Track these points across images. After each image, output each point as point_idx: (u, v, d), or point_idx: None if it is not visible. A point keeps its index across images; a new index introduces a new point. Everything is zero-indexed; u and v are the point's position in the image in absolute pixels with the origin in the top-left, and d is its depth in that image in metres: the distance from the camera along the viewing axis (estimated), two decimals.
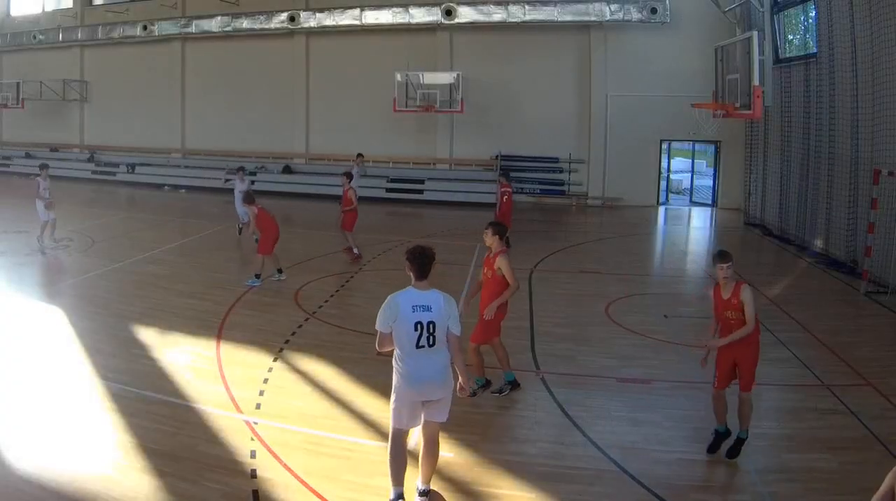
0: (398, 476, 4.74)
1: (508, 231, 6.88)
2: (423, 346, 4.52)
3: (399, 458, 4.74)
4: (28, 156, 26.65)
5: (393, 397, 4.67)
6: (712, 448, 5.64)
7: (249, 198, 10.91)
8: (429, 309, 4.55)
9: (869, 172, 11.09)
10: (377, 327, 4.59)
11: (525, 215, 17.75)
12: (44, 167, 12.96)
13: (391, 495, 4.74)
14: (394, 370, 4.65)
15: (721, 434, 5.68)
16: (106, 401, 6.34)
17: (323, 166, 22.65)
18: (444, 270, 12.09)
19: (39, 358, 7.42)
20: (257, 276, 10.59)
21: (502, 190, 13.32)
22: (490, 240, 6.50)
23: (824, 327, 8.94)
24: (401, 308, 4.53)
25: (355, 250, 12.45)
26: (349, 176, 12.68)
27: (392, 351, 4.63)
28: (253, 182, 14.92)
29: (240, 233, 14.17)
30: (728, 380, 5.63)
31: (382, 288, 10.47)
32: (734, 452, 5.50)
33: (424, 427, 4.79)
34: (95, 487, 4.92)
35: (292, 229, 17.23)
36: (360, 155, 16.64)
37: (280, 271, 10.86)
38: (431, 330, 4.52)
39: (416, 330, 4.50)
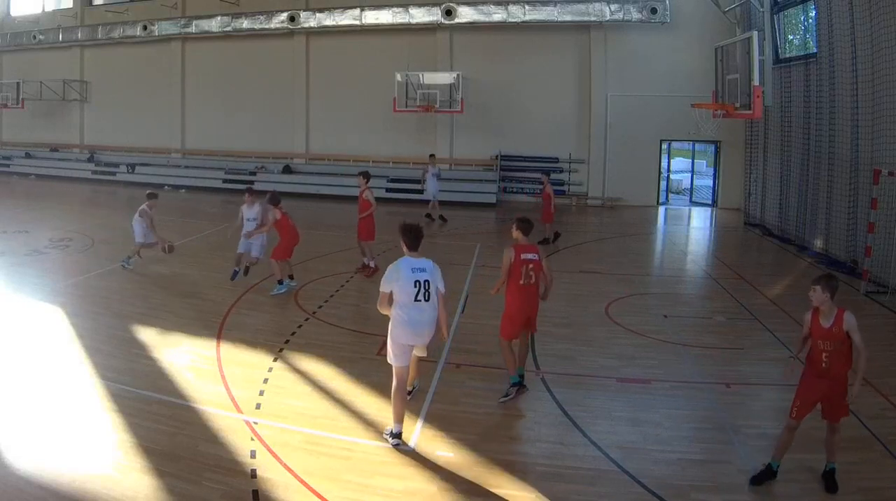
0: (401, 415, 5.79)
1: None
2: (419, 300, 5.68)
3: (404, 398, 5.86)
4: (28, 156, 26.67)
5: (391, 344, 5.78)
6: (758, 481, 5.14)
7: (275, 198, 10.03)
8: (424, 270, 5.74)
9: (869, 172, 11.09)
10: (381, 289, 5.66)
11: (525, 215, 17.71)
12: (153, 197, 11.48)
13: (394, 430, 5.76)
14: (392, 322, 5.73)
15: (773, 472, 5.17)
16: (106, 401, 6.34)
17: (323, 166, 22.66)
18: (444, 269, 12.10)
19: (39, 358, 7.42)
20: (280, 282, 10.03)
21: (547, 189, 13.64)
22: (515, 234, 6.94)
23: None
24: (402, 271, 5.66)
25: (371, 263, 11.31)
26: (366, 176, 11.47)
27: (389, 312, 5.73)
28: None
29: (245, 274, 10.70)
30: (809, 411, 5.13)
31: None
32: (833, 486, 5.04)
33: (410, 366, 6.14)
34: (95, 487, 4.92)
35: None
36: (432, 155, 16.65)
37: (291, 278, 10.30)
38: (427, 288, 5.71)
39: (415, 287, 5.65)
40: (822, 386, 5.04)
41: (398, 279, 5.61)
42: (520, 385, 6.68)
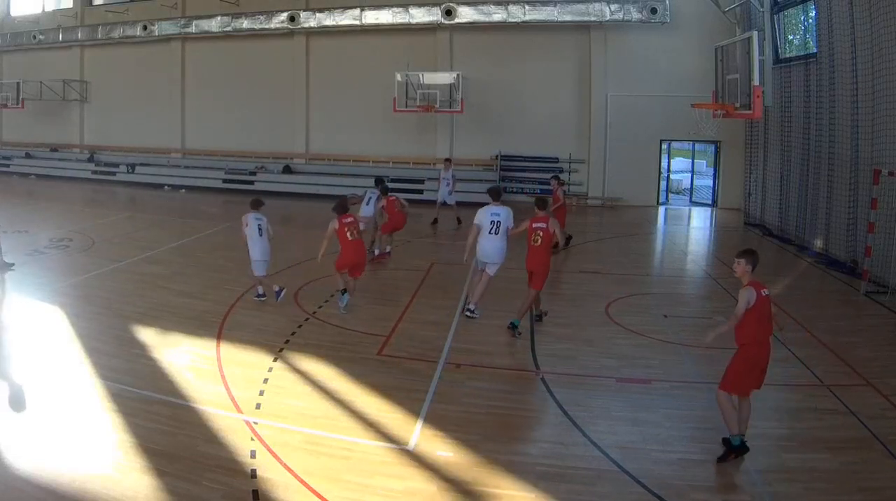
0: (478, 297, 9.07)
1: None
2: (492, 233, 8.77)
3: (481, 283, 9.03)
4: (28, 156, 26.68)
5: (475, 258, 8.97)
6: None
7: (343, 207, 9.32)
8: (498, 215, 8.84)
9: (869, 172, 11.09)
10: (474, 222, 8.88)
11: (525, 215, 17.71)
12: (257, 204, 10.03)
13: (471, 306, 9.07)
14: (477, 246, 8.86)
15: (740, 447, 5.56)
16: (106, 401, 6.35)
17: (323, 166, 22.65)
18: (445, 269, 12.12)
19: (39, 358, 7.42)
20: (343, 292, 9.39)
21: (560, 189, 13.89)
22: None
23: (824, 327, 8.94)
24: (486, 213, 8.85)
25: (377, 251, 12.38)
26: (380, 184, 12.79)
27: (471, 239, 8.84)
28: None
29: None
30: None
31: (382, 288, 10.57)
32: (724, 458, 5.54)
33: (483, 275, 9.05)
34: (95, 487, 4.92)
35: (292, 229, 17.23)
36: (448, 160, 16.81)
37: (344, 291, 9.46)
38: (498, 225, 8.79)
39: (491, 224, 8.78)
40: (767, 351, 5.60)
41: (483, 218, 8.79)
42: (514, 329, 8.49)
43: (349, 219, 9.21)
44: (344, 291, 9.32)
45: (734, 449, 5.52)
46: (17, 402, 6.32)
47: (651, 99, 19.15)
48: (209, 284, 10.64)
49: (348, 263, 9.23)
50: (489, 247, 8.82)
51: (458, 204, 16.47)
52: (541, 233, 8.45)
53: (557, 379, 7.18)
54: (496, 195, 9.18)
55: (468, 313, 8.98)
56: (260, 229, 9.68)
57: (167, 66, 24.56)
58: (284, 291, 9.72)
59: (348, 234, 9.10)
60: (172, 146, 24.87)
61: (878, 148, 11.15)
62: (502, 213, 8.86)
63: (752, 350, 5.51)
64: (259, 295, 9.82)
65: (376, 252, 12.45)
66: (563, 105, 20.50)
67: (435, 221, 16.58)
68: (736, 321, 5.49)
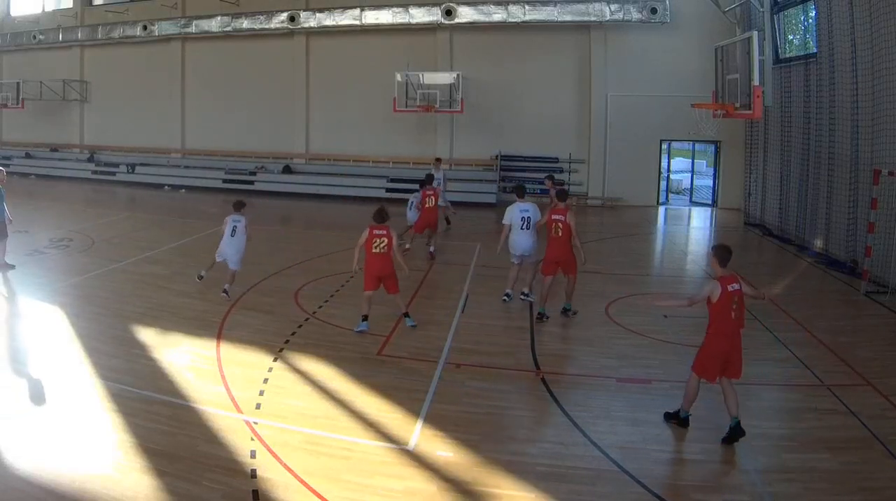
0: (512, 282, 9.99)
1: None
2: (523, 229, 9.49)
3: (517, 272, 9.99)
4: (28, 156, 26.67)
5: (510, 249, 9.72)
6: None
7: (382, 216, 8.69)
8: (527, 211, 9.54)
9: (869, 172, 11.09)
10: (504, 222, 9.64)
11: (432, 222, 17.62)
12: (238, 206, 10.25)
13: (525, 290, 9.79)
14: (509, 241, 9.65)
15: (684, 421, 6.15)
16: (106, 401, 6.35)
17: (323, 166, 22.66)
18: (444, 269, 12.12)
19: (39, 358, 7.42)
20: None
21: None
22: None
23: (824, 327, 8.94)
24: (515, 211, 9.59)
25: (408, 246, 12.73)
26: (424, 183, 13.12)
27: (506, 237, 9.60)
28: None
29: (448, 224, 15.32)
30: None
31: (382, 288, 10.53)
32: (732, 438, 5.82)
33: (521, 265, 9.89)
34: (95, 487, 4.92)
35: (292, 229, 17.25)
36: (438, 159, 16.84)
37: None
38: (528, 221, 9.49)
39: (521, 220, 9.50)
40: (734, 342, 5.97)
41: (512, 216, 9.55)
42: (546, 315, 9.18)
43: (381, 231, 8.50)
44: (364, 318, 8.59)
45: (678, 419, 6.12)
46: (17, 402, 6.32)
47: (651, 99, 19.15)
48: (209, 284, 10.61)
49: (370, 277, 8.57)
50: (524, 243, 9.58)
51: (456, 204, 16.40)
52: (560, 225, 8.94)
53: (557, 379, 7.19)
54: (521, 192, 9.95)
55: (523, 296, 9.77)
56: (234, 230, 9.90)
57: (167, 66, 24.56)
58: (227, 295, 9.82)
59: (374, 247, 8.48)
60: (172, 146, 24.87)
61: (878, 148, 11.15)
62: (531, 209, 9.57)
63: (714, 340, 5.98)
64: (225, 292, 9.85)
65: (431, 249, 12.84)
66: (563, 105, 20.50)
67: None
68: (688, 303, 6.25)
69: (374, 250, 8.49)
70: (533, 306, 9.50)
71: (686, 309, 6.58)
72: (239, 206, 10.12)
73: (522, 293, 9.82)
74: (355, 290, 10.54)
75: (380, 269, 8.53)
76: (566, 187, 10.31)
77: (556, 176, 20.53)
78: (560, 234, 8.95)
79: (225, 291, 9.85)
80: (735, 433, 5.76)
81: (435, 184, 15.53)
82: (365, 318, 8.57)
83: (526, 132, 20.59)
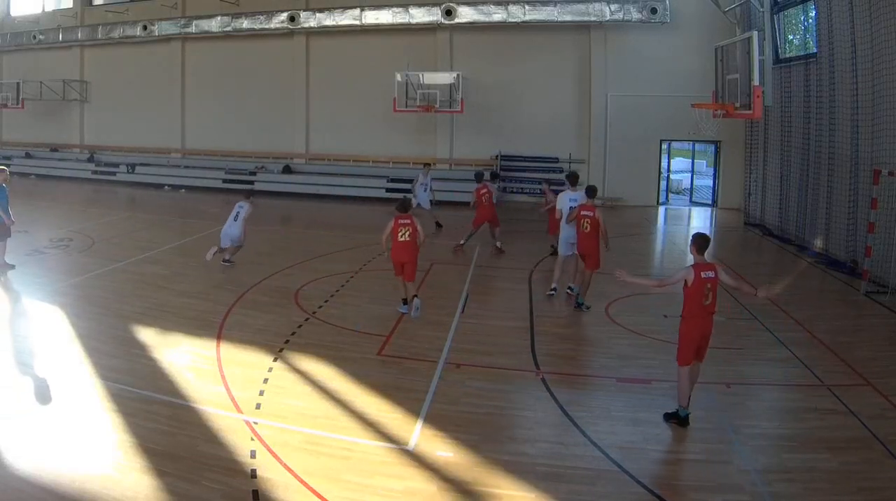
0: (556, 278, 10.30)
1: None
2: (571, 221, 9.77)
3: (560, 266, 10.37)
4: (28, 156, 26.67)
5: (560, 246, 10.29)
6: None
7: (404, 206, 9.30)
8: (576, 200, 9.82)
9: (869, 172, 11.09)
10: (557, 206, 10.24)
11: (525, 215, 17.75)
12: (246, 194, 11.99)
13: (573, 285, 10.14)
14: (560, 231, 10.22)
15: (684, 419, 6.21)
16: (106, 401, 6.35)
17: (323, 166, 22.65)
18: (444, 269, 12.12)
19: (39, 358, 7.42)
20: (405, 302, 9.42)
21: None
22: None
23: (824, 327, 8.94)
24: (564, 199, 10.04)
25: (462, 242, 13.32)
26: (481, 177, 13.68)
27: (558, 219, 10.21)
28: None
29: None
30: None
31: (382, 288, 10.57)
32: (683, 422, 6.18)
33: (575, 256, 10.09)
34: (95, 487, 4.92)
35: (292, 229, 17.25)
36: (427, 164, 16.89)
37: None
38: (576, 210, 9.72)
39: (570, 210, 9.76)
40: (705, 325, 6.19)
41: (563, 203, 10.04)
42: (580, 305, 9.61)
43: (405, 221, 9.05)
44: (404, 301, 9.26)
45: (677, 419, 6.17)
46: (17, 402, 6.32)
47: (651, 99, 19.15)
48: (209, 284, 10.63)
49: (396, 263, 9.16)
50: (571, 232, 9.89)
51: (456, 204, 16.42)
52: (588, 221, 9.38)
53: (557, 379, 7.18)
54: (575, 180, 10.38)
55: (569, 291, 10.17)
56: (237, 215, 11.39)
57: (167, 66, 24.56)
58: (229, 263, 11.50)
59: (399, 235, 9.02)
60: (172, 146, 24.86)
61: (878, 148, 11.15)
62: (579, 199, 9.82)
63: (689, 322, 6.20)
64: (226, 261, 11.47)
65: (498, 243, 13.36)
66: (563, 105, 20.49)
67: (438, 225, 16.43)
68: (657, 284, 6.66)
69: (399, 238, 9.04)
70: (559, 297, 10.07)
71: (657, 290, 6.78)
72: (247, 195, 11.84)
73: (569, 287, 10.24)
74: (355, 290, 10.57)
75: (403, 256, 9.09)
76: (595, 185, 10.38)
77: (556, 176, 20.60)
78: (588, 229, 9.37)
79: (227, 260, 11.45)
80: (685, 422, 6.12)
81: (421, 188, 15.55)
82: (405, 301, 9.25)
83: (526, 132, 20.58)
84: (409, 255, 9.06)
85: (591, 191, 9.72)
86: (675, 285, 6.33)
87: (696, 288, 6.10)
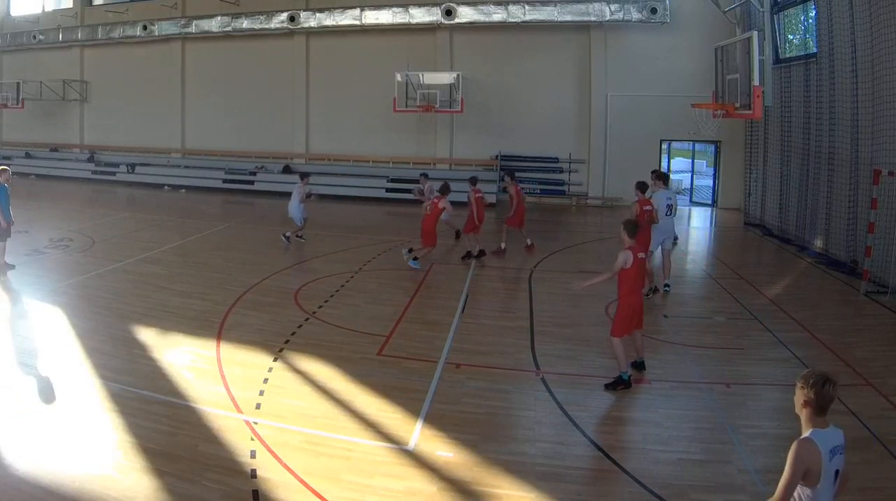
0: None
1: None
2: (668, 215, 10.20)
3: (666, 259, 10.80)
4: (28, 156, 26.67)
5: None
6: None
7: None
8: (671, 199, 10.31)
9: (869, 172, 11.08)
10: (655, 205, 9.96)
11: (525, 215, 17.71)
12: (305, 176, 14.28)
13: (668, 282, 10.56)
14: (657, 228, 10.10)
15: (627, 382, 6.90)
16: (106, 401, 6.34)
17: (323, 166, 22.66)
18: (444, 269, 12.12)
19: (39, 359, 7.41)
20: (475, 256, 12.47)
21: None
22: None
23: (824, 327, 8.94)
24: (662, 198, 10.09)
25: (503, 245, 13.38)
26: (512, 174, 13.90)
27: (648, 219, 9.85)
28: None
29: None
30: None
31: (382, 288, 10.59)
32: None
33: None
34: (95, 487, 4.92)
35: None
36: (423, 174, 16.75)
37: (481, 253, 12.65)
38: (672, 208, 10.24)
39: (667, 208, 10.09)
40: (640, 300, 7.04)
41: (659, 202, 10.04)
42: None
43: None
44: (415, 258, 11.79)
45: (624, 382, 6.81)
46: (17, 402, 6.32)
47: (651, 99, 19.16)
48: (209, 284, 10.63)
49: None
50: (668, 228, 10.45)
51: (456, 204, 16.31)
52: (652, 214, 10.07)
53: (557, 379, 7.18)
54: (666, 180, 10.73)
55: (667, 288, 10.54)
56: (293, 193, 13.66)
57: (167, 66, 24.57)
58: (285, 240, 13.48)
59: (424, 209, 11.90)
60: (172, 146, 24.88)
61: (878, 148, 11.15)
62: (673, 197, 10.51)
63: (632, 298, 6.88)
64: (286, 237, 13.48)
65: (502, 246, 13.36)
66: (562, 105, 20.50)
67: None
68: (611, 275, 6.96)
69: (424, 211, 11.79)
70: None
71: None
72: (302, 176, 14.09)
73: (666, 285, 10.57)
74: (355, 290, 10.57)
75: (422, 223, 11.66)
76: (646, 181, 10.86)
77: (556, 176, 20.67)
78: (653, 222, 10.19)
79: (285, 236, 13.53)
80: (629, 384, 6.81)
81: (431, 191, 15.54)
82: (415, 258, 11.74)
83: (526, 132, 20.59)
84: (426, 225, 11.62)
85: (642, 186, 10.47)
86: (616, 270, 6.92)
87: (634, 268, 6.82)
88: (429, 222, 11.66)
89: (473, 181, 13.17)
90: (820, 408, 3.46)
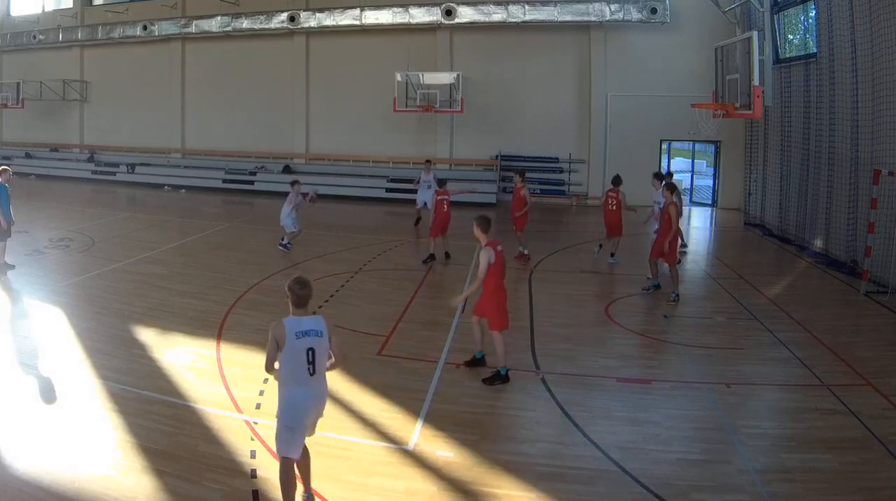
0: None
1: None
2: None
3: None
4: (28, 156, 26.67)
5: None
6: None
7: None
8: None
9: (869, 172, 11.09)
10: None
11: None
12: (295, 183, 13.37)
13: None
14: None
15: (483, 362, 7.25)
16: (106, 401, 6.34)
17: (323, 166, 22.66)
18: (445, 269, 12.12)
19: (40, 359, 7.41)
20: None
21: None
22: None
23: (824, 327, 8.94)
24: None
25: (525, 251, 12.73)
26: (523, 174, 12.98)
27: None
28: None
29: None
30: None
31: (382, 288, 10.59)
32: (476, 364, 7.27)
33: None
34: (95, 487, 4.92)
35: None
36: (428, 161, 16.77)
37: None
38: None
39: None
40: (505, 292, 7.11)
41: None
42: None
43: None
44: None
45: (501, 378, 6.93)
46: (17, 402, 6.32)
47: (651, 99, 19.16)
48: (209, 284, 10.63)
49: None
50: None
51: (456, 204, 16.25)
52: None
53: (557, 379, 7.18)
54: (673, 189, 10.71)
55: (675, 299, 10.09)
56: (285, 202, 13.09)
57: (167, 66, 24.57)
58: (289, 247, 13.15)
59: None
60: (172, 146, 24.88)
61: (878, 148, 11.15)
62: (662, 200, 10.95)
63: (498, 293, 6.95)
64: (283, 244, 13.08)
65: (525, 252, 12.79)
66: (563, 105, 20.51)
67: (417, 221, 16.16)
68: (482, 278, 6.83)
69: (607, 208, 12.50)
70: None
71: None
72: (293, 183, 13.24)
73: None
74: (355, 290, 10.57)
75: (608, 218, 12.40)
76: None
77: (556, 176, 20.65)
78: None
79: (281, 244, 13.14)
80: (507, 379, 6.92)
81: (425, 186, 15.48)
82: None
83: (526, 132, 20.59)
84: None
85: (669, 185, 10.61)
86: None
87: (498, 263, 6.87)
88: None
89: (522, 174, 12.91)
90: (296, 304, 4.64)
